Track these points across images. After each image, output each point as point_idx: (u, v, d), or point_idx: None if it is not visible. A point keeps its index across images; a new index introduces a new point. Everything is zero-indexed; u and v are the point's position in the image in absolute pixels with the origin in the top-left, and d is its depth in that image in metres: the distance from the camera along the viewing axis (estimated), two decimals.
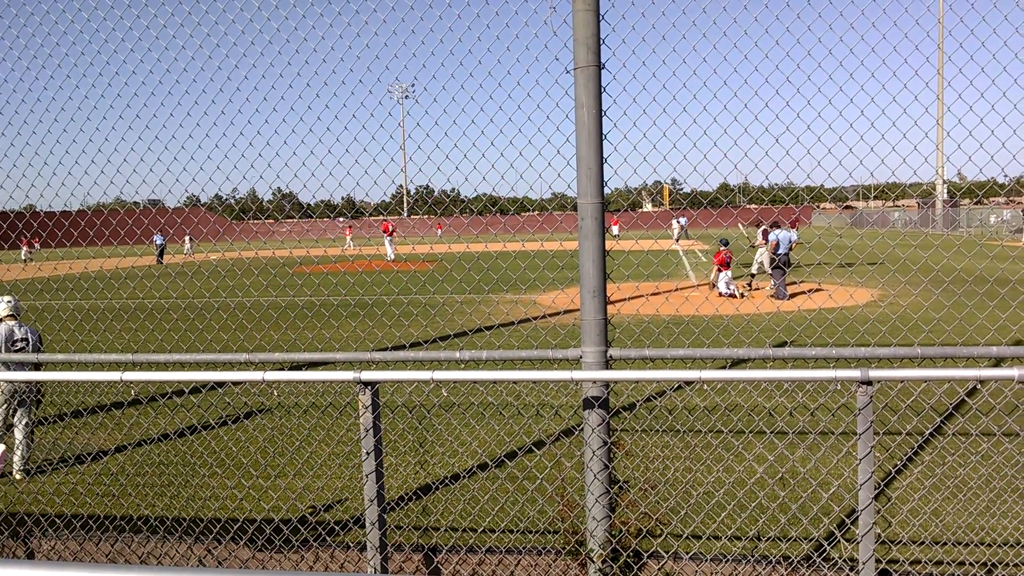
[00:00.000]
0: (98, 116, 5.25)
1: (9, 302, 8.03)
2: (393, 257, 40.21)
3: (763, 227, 23.09)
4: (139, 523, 6.31)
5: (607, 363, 4.50)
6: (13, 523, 6.26)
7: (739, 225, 24.42)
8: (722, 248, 20.62)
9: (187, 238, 50.11)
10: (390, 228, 42.17)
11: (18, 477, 7.67)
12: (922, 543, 5.51)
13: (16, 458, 7.78)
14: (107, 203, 6.18)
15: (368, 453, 4.33)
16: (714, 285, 21.21)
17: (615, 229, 56.39)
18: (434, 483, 7.02)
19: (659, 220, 64.12)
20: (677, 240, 46.71)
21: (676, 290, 21.66)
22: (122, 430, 9.14)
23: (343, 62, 4.70)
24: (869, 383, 3.83)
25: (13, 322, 7.94)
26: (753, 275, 22.75)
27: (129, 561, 5.79)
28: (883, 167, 4.39)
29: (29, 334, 7.96)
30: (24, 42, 5.33)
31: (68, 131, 5.37)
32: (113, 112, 5.28)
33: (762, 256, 22.82)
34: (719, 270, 20.49)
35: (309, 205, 6.55)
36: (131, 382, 4.44)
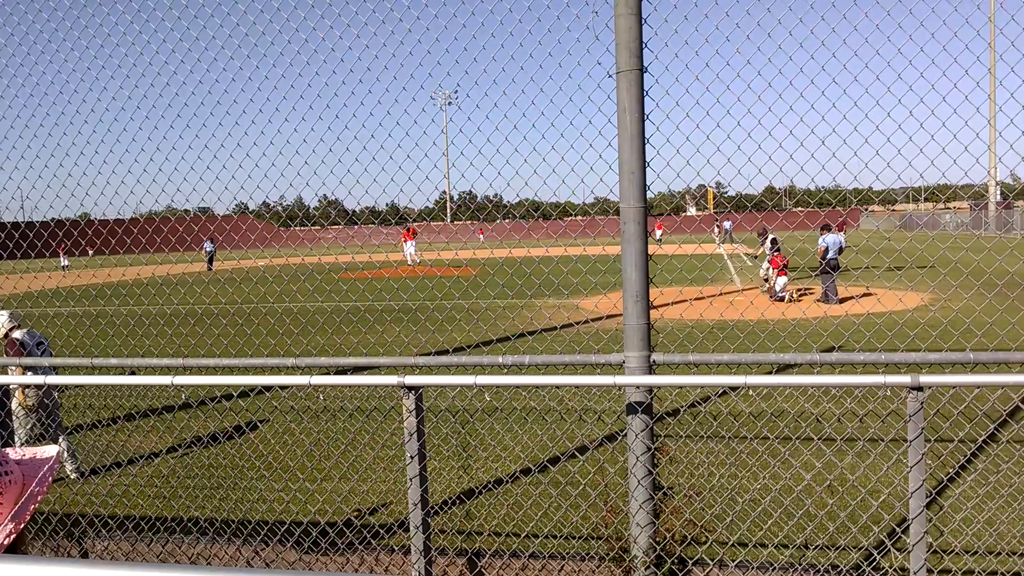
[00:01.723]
0: (149, 126, 5.39)
1: (11, 314, 8.16)
2: (417, 262, 40.44)
3: (770, 236, 22.80)
4: (189, 524, 6.43)
5: (650, 368, 4.47)
6: (68, 524, 6.43)
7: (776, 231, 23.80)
8: (776, 255, 20.34)
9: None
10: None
11: (73, 477, 7.88)
12: (975, 553, 5.38)
13: (68, 466, 7.98)
14: (158, 211, 6.32)
15: (412, 457, 4.36)
16: (766, 280, 21.15)
17: (658, 233, 56.07)
18: (477, 487, 7.04)
19: (703, 224, 63.58)
20: (720, 244, 46.31)
21: (720, 294, 21.44)
22: (172, 433, 9.33)
23: (387, 70, 4.75)
24: (920, 389, 3.76)
25: (23, 331, 8.08)
26: (767, 279, 22.53)
27: (179, 562, 5.90)
28: (933, 169, 4.30)
29: (40, 339, 8.16)
30: (79, 55, 5.49)
31: (121, 141, 5.51)
32: (164, 122, 5.41)
33: (766, 265, 22.62)
34: (779, 274, 20.23)
35: (354, 211, 6.64)
36: (181, 386, 4.54)
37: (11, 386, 7.54)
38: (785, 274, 20.13)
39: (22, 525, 1.58)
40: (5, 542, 1.54)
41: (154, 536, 6.22)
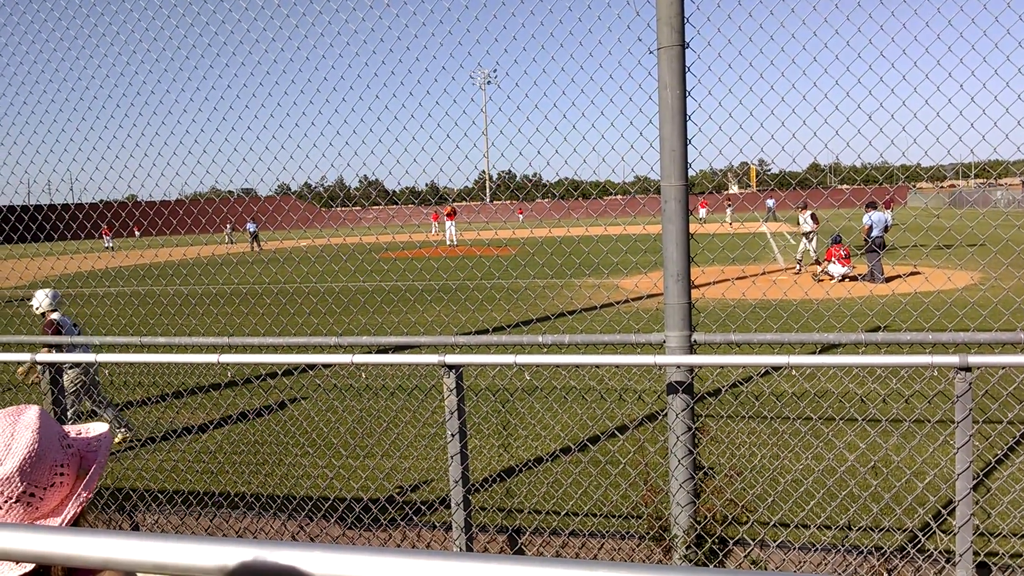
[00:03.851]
0: (194, 108, 5.46)
1: (54, 294, 8.35)
2: (456, 243, 40.61)
3: (811, 211, 22.33)
4: (236, 499, 6.58)
5: (691, 348, 4.45)
6: (120, 498, 6.61)
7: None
8: (833, 245, 19.93)
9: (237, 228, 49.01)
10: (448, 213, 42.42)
11: (121, 439, 8.19)
12: (1023, 535, 5.29)
13: (119, 436, 8.27)
14: (203, 192, 6.43)
15: (453, 435, 4.40)
16: (818, 261, 21.21)
17: (703, 211, 55.67)
18: (517, 466, 7.08)
19: (746, 202, 62.67)
20: (731, 223, 45.87)
21: (763, 274, 21.18)
22: (219, 410, 9.52)
23: (426, 49, 4.75)
24: (968, 369, 3.69)
25: (59, 313, 8.30)
26: (799, 260, 22.15)
27: (227, 535, 6.04)
28: (984, 144, 4.19)
29: (74, 322, 8.42)
30: (124, 38, 5.58)
31: (167, 124, 5.60)
32: (208, 104, 5.48)
33: (812, 242, 22.17)
34: (842, 263, 19.82)
35: (394, 192, 6.68)
36: (228, 364, 4.62)
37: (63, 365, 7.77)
38: (847, 263, 19.68)
39: (91, 495, 1.65)
40: (79, 510, 1.62)
41: (202, 510, 6.38)
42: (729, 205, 53.20)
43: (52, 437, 1.63)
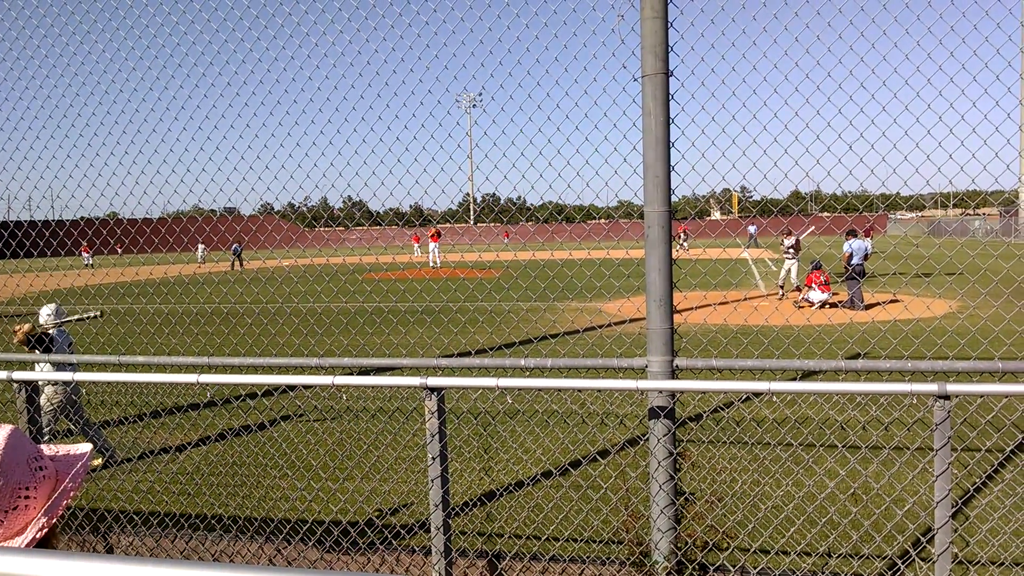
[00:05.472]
0: (178, 126, 5.46)
1: (57, 310, 8.28)
2: (439, 264, 40.56)
3: (793, 237, 22.57)
4: (213, 521, 6.49)
5: (673, 373, 4.46)
6: (94, 519, 6.51)
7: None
8: (814, 272, 20.07)
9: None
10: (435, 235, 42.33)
11: (99, 463, 8.04)
12: (1002, 564, 5.30)
13: (100, 460, 8.14)
14: (186, 211, 6.40)
15: (434, 458, 4.37)
16: (798, 288, 21.36)
17: (683, 237, 55.95)
18: (498, 490, 7.04)
19: (727, 229, 63.14)
20: (687, 249, 46.09)
21: (744, 299, 21.30)
22: (197, 431, 9.41)
23: (412, 72, 4.78)
24: (947, 397, 3.72)
25: (58, 330, 8.21)
26: (782, 286, 22.33)
27: (202, 558, 5.96)
28: (962, 174, 4.25)
29: (71, 340, 8.31)
30: (110, 56, 5.57)
31: (150, 141, 5.58)
32: (192, 123, 5.47)
33: (791, 266, 22.33)
34: (822, 289, 19.92)
35: (378, 213, 6.68)
36: (207, 384, 4.58)
37: (40, 382, 7.65)
38: (827, 289, 19.80)
39: (54, 520, 1.60)
40: (38, 536, 1.57)
41: (178, 532, 6.29)
42: (684, 232, 53.53)
43: (18, 460, 1.58)
